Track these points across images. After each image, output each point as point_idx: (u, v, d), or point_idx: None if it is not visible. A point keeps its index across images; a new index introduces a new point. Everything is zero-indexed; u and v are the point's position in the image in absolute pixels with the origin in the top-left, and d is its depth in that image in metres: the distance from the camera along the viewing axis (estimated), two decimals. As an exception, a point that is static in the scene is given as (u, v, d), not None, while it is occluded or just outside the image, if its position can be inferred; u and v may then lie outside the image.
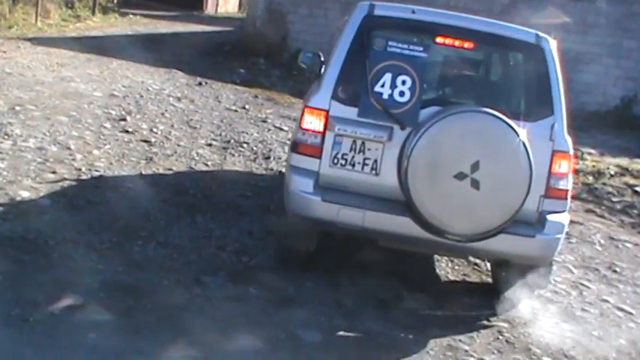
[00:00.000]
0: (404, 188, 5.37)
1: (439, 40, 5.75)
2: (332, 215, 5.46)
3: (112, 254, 5.98)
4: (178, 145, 9.80)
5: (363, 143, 5.50)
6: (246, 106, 13.25)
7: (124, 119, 10.82)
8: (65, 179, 7.75)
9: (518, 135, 5.23)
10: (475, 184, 5.21)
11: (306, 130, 5.56)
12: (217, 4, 37.07)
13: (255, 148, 10.19)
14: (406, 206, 5.40)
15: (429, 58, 5.58)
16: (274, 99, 14.46)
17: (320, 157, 5.54)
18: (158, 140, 9.88)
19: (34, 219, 6.50)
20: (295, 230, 5.80)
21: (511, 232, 5.40)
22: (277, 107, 13.55)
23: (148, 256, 6.07)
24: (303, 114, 5.61)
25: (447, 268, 6.84)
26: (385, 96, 5.46)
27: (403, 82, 5.45)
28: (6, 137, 9.00)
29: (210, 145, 10.06)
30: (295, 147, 5.65)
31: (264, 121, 12.16)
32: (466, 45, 5.82)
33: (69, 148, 8.91)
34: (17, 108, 10.56)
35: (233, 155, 9.72)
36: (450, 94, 6.18)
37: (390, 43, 5.49)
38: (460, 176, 5.21)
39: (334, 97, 5.54)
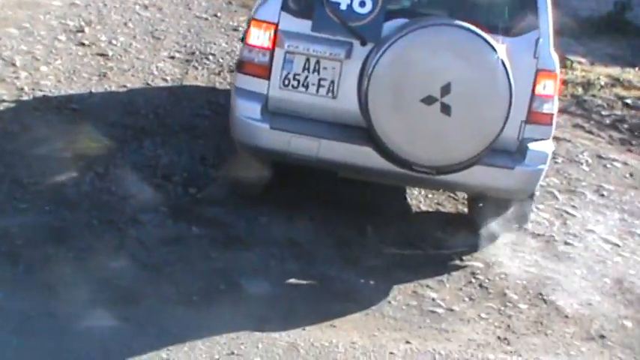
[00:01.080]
0: (364, 113, 4.68)
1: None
2: (282, 145, 4.80)
3: (39, 190, 5.31)
4: (137, 59, 9.01)
5: (317, 62, 4.79)
6: (218, 14, 12.32)
7: (82, 30, 9.97)
8: (3, 101, 7.02)
9: (496, 52, 4.53)
10: (446, 109, 4.52)
11: (253, 46, 4.85)
12: None
13: (221, 60, 9.40)
14: (367, 134, 4.73)
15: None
16: (249, 6, 13.52)
17: (268, 78, 4.84)
18: (116, 53, 9.08)
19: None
20: (244, 160, 5.13)
21: (487, 164, 4.75)
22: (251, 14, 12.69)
23: (81, 191, 5.41)
24: (248, 28, 4.88)
25: (419, 197, 6.17)
26: (343, 6, 4.71)
27: (365, -10, 4.72)
28: (-58, 52, 8.24)
29: (172, 57, 9.26)
30: (240, 66, 4.95)
31: (235, 30, 11.29)
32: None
33: (14, 65, 8.13)
34: (-38, 19, 9.73)
35: (196, 69, 8.94)
36: (418, 5, 5.32)
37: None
38: (429, 100, 4.52)
39: (284, 7, 4.80)
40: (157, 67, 8.75)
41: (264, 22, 4.78)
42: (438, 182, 4.92)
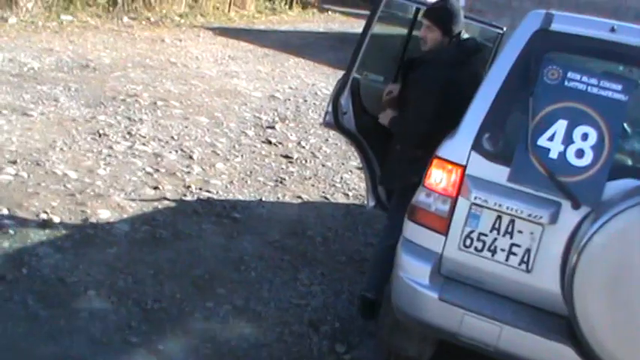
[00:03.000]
0: (567, 299, 3.46)
1: (651, 76, 3.76)
2: (452, 324, 3.66)
3: (158, 321, 4.48)
4: (323, 166, 8.24)
5: (511, 222, 3.63)
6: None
7: (273, 127, 9.42)
8: (165, 199, 6.40)
9: None
10: (685, 311, 3.23)
11: (431, 190, 3.77)
12: (426, 7, 35.31)
13: (413, 179, 8.40)
14: (567, 327, 3.49)
15: (631, 103, 3.58)
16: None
17: (446, 234, 3.73)
18: (301, 157, 8.37)
19: (89, 253, 5.15)
20: (404, 328, 4.01)
21: None
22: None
23: (208, 328, 4.51)
24: (429, 167, 3.82)
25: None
26: (554, 154, 3.55)
27: (584, 137, 3.53)
28: (127, 137, 7.83)
29: (361, 168, 8.38)
30: (413, 212, 3.87)
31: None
32: (694, 87, 3.77)
33: (190, 158, 7.60)
34: (159, 103, 9.45)
35: (384, 186, 7.99)
36: None
37: (570, 74, 3.57)
38: (661, 298, 3.25)
39: (476, 147, 3.69)
40: (341, 177, 7.92)
41: (448, 161, 3.71)
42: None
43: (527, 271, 3.63)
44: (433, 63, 4.57)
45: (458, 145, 3.73)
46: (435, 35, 4.65)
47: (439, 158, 3.77)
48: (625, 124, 3.79)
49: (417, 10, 5.56)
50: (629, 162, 3.84)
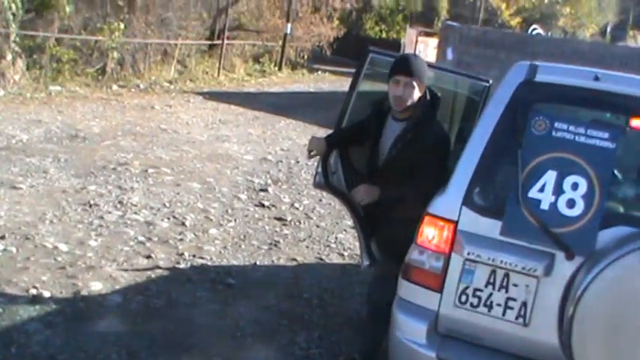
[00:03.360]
0: (566, 351, 3.40)
1: (637, 122, 3.74)
2: (451, 382, 3.58)
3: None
4: (317, 226, 8.20)
5: (506, 276, 3.58)
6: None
7: (265, 190, 9.41)
8: (158, 268, 6.33)
9: None
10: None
11: (424, 248, 3.73)
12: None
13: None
14: (568, 380, 3.43)
15: (619, 150, 3.56)
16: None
17: (441, 291, 3.68)
18: (295, 219, 8.34)
19: (81, 328, 5.06)
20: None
21: None
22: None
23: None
24: (421, 224, 3.78)
25: None
26: (545, 205, 3.52)
27: (574, 186, 3.51)
28: (118, 207, 7.80)
29: (354, 227, 8.33)
30: (406, 271, 3.82)
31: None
32: (681, 132, 3.76)
33: (183, 224, 7.55)
34: (150, 170, 9.45)
35: (379, 244, 7.93)
36: None
37: (557, 124, 3.56)
38: (661, 346, 3.19)
39: (466, 202, 3.66)
40: (336, 238, 7.88)
41: (439, 218, 3.68)
42: None
43: (525, 324, 3.57)
44: (427, 121, 4.45)
45: (449, 201, 3.70)
46: (417, 91, 4.43)
47: (430, 215, 3.74)
48: (615, 171, 3.77)
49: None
50: (620, 209, 3.81)
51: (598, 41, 36.90)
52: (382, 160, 4.54)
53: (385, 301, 4.09)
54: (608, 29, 47.14)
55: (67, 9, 15.63)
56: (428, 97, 4.50)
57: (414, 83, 4.38)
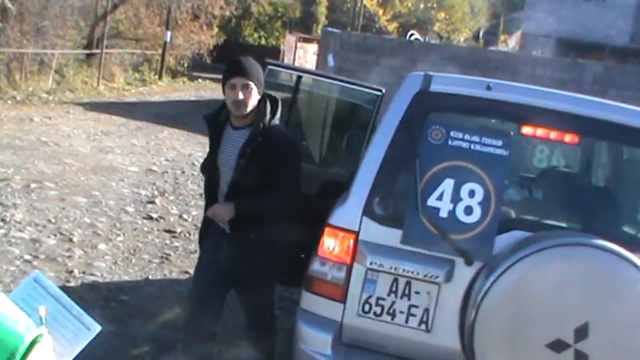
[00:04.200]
0: (468, 356, 3.48)
1: (527, 130, 3.85)
2: (358, 392, 3.61)
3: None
4: (208, 237, 8.10)
5: (408, 283, 3.64)
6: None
7: (153, 201, 9.26)
8: (46, 287, 6.09)
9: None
10: (582, 359, 3.29)
11: (325, 259, 3.75)
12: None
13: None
14: (471, 383, 3.50)
15: (512, 157, 3.68)
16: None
17: (344, 302, 3.70)
18: (185, 230, 8.24)
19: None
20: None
21: None
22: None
23: None
24: (321, 235, 3.79)
25: None
26: (443, 213, 3.60)
27: (471, 193, 3.59)
28: (0, 224, 7.49)
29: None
30: (309, 283, 3.83)
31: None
32: (567, 138, 3.90)
33: (70, 241, 7.34)
34: (33, 185, 9.14)
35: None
36: (543, 213, 4.14)
37: (452, 133, 3.64)
38: (558, 346, 3.30)
39: (367, 212, 3.70)
40: (227, 248, 7.79)
41: (340, 229, 3.70)
42: None
43: (428, 330, 3.64)
44: (273, 126, 4.15)
45: (349, 212, 3.73)
46: (256, 94, 4.09)
47: (331, 226, 3.75)
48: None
49: (299, 78, 5.62)
50: (517, 215, 3.93)
51: (474, 46, 38.02)
52: (232, 174, 4.17)
53: (263, 310, 4.24)
54: (481, 34, 48.62)
55: None
56: (267, 101, 4.18)
57: (252, 85, 4.05)
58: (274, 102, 4.22)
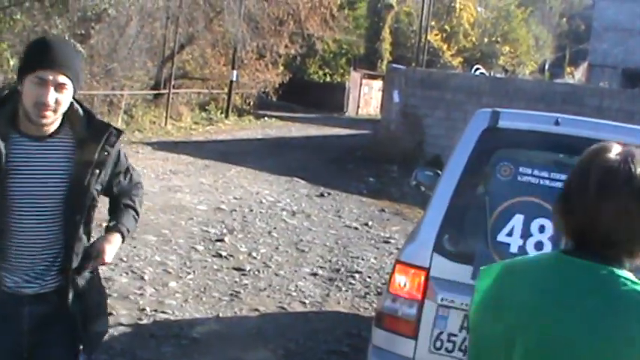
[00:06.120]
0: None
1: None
2: None
3: None
4: (276, 275, 8.18)
5: (479, 320, 3.63)
6: (369, 223, 11.55)
7: (222, 239, 9.36)
8: (120, 324, 6.24)
9: None
10: None
11: (397, 295, 3.76)
12: (358, 106, 36.12)
13: (368, 280, 8.41)
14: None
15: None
16: (403, 213, 12.70)
17: (416, 338, 3.71)
18: (254, 268, 8.30)
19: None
20: None
21: None
22: (405, 224, 11.73)
23: None
24: (392, 272, 3.81)
25: None
26: (514, 249, 3.60)
27: (541, 229, 3.59)
28: (74, 263, 7.65)
29: (315, 274, 8.36)
30: (380, 320, 3.85)
31: (387, 242, 10.40)
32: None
33: (142, 279, 7.47)
34: (104, 224, 9.28)
35: (339, 289, 7.97)
36: None
37: (522, 169, 3.66)
38: None
39: (437, 249, 3.72)
40: (296, 285, 7.85)
41: (411, 265, 3.72)
42: None
43: (500, 367, 3.61)
44: (99, 137, 3.04)
45: (420, 249, 3.75)
46: (70, 94, 2.91)
47: (402, 263, 3.78)
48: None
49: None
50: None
51: (539, 79, 37.70)
52: (50, 199, 2.96)
53: None
54: (546, 66, 48.28)
55: (11, 62, 15.51)
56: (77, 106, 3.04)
57: (68, 81, 2.86)
58: (86, 110, 3.09)
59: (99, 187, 3.05)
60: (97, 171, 3.00)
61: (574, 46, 50.06)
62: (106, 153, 3.04)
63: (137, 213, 3.31)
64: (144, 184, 3.54)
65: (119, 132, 3.13)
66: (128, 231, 3.24)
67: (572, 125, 3.85)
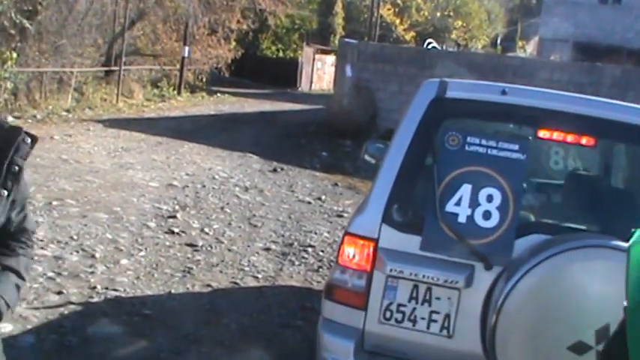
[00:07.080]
0: (490, 359, 3.47)
1: (543, 133, 3.86)
2: (381, 400, 3.62)
3: None
4: (229, 250, 8.15)
5: (428, 290, 3.65)
6: (322, 197, 11.56)
7: (174, 216, 9.29)
8: (70, 303, 6.16)
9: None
10: (604, 361, 3.28)
11: (346, 267, 3.76)
12: (311, 81, 36.05)
13: (321, 254, 8.42)
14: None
15: (528, 161, 3.68)
16: (356, 187, 12.73)
17: (365, 309, 3.72)
18: (206, 244, 8.26)
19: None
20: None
21: None
22: (358, 198, 11.71)
23: None
24: (341, 244, 3.81)
25: None
26: (462, 218, 3.61)
27: (489, 198, 3.60)
28: (23, 242, 7.53)
29: (267, 249, 8.35)
30: (330, 292, 3.84)
31: (340, 216, 10.42)
32: (584, 141, 3.90)
33: (93, 257, 7.38)
34: (55, 203, 9.19)
35: (293, 263, 7.96)
36: (562, 217, 4.17)
37: (469, 139, 3.66)
38: (579, 348, 3.30)
39: (386, 219, 3.71)
40: (249, 260, 7.84)
41: (360, 237, 3.71)
42: None
43: (449, 336, 3.64)
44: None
45: (368, 220, 3.74)
46: None
47: (350, 234, 3.77)
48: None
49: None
50: (535, 219, 3.93)
51: (491, 53, 37.97)
52: None
53: None
54: (499, 41, 48.59)
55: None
56: None
57: None
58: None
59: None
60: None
61: (525, 20, 50.44)
62: (16, 167, 2.44)
63: (22, 279, 2.59)
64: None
65: (34, 139, 2.52)
66: (8, 306, 2.48)
67: (519, 95, 3.87)
